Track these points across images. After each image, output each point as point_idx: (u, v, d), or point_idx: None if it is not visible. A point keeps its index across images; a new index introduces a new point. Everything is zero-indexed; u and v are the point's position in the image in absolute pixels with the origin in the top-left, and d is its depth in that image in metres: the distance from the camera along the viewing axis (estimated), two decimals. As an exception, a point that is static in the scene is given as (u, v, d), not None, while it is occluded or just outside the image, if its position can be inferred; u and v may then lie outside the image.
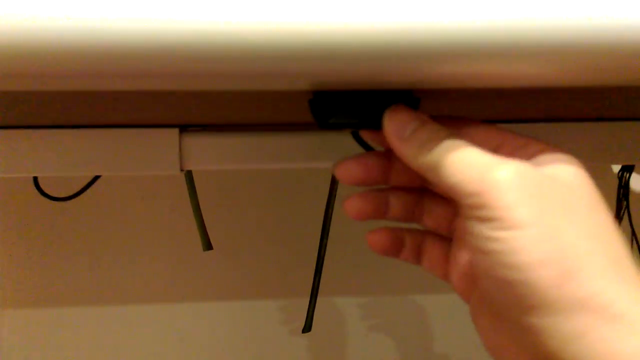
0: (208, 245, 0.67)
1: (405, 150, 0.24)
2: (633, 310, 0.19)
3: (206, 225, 0.67)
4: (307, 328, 0.70)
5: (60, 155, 0.44)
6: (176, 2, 0.19)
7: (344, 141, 0.40)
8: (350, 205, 0.27)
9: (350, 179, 0.26)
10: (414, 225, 0.28)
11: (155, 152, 0.43)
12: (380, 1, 0.20)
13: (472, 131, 0.24)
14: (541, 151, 0.23)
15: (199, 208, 0.64)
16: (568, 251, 0.20)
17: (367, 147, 0.28)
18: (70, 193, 0.56)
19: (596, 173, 0.76)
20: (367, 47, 0.20)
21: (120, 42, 0.19)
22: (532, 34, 0.20)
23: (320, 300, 0.82)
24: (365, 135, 0.27)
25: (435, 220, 0.28)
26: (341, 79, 0.22)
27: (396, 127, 0.24)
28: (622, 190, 0.83)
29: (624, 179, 0.83)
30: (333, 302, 0.86)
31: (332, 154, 0.41)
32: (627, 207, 0.83)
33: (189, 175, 0.66)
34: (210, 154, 0.44)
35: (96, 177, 0.55)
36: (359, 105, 0.24)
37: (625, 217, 0.84)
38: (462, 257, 0.26)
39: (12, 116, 0.42)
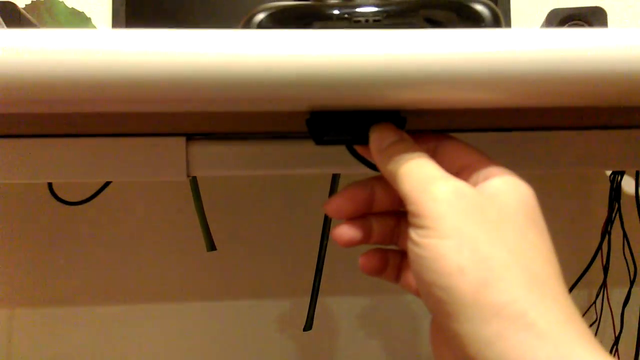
0: (212, 247, 0.70)
1: (379, 159, 0.26)
2: (544, 320, 0.21)
3: (210, 228, 0.69)
4: (308, 327, 0.72)
5: (74, 163, 0.46)
6: (198, 39, 0.21)
7: (340, 149, 0.43)
8: (338, 235, 0.29)
9: (340, 213, 0.29)
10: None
11: (163, 159, 0.46)
12: (367, 38, 0.22)
13: (448, 149, 0.27)
14: (496, 174, 0.25)
15: (203, 211, 0.66)
16: (487, 262, 0.22)
17: (360, 159, 0.30)
18: (82, 198, 0.58)
19: (589, 177, 0.79)
20: (358, 77, 0.22)
21: (153, 75, 0.22)
22: (492, 68, 0.22)
23: (320, 299, 0.84)
24: (359, 149, 0.30)
25: None
26: (335, 103, 0.24)
27: (377, 140, 0.27)
28: (613, 194, 0.85)
29: (615, 182, 0.85)
30: (333, 302, 0.88)
31: (329, 161, 0.43)
32: (619, 209, 0.86)
33: (193, 181, 0.69)
34: (215, 161, 0.46)
35: (107, 183, 0.58)
36: (351, 123, 0.27)
37: (618, 219, 0.86)
38: None
39: (29, 126, 0.44)
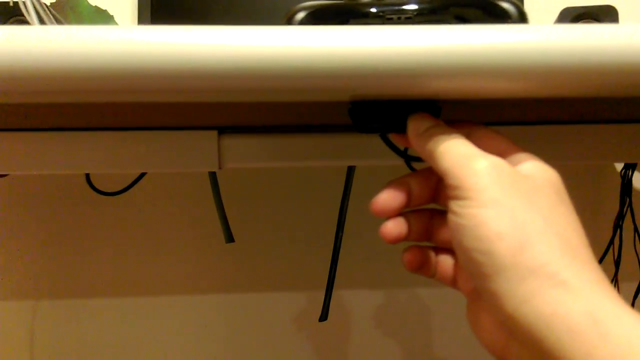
0: (230, 238, 0.72)
1: (418, 142, 0.29)
2: (576, 279, 0.23)
3: (229, 221, 0.71)
4: (323, 317, 0.74)
5: (110, 154, 0.48)
6: (254, 35, 0.24)
7: (366, 141, 0.45)
8: (387, 232, 0.31)
9: (385, 212, 0.31)
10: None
11: (196, 152, 0.48)
12: (404, 34, 0.24)
13: (481, 135, 0.29)
14: (527, 160, 0.28)
15: (222, 204, 0.68)
16: (523, 228, 0.24)
17: (393, 147, 0.32)
18: (116, 189, 0.60)
19: (601, 172, 0.81)
20: (396, 68, 0.25)
21: (204, 65, 0.24)
22: (526, 59, 0.24)
23: (335, 292, 0.86)
24: (393, 137, 0.32)
25: (445, 234, 0.31)
26: (376, 93, 0.27)
27: (415, 126, 0.29)
28: (624, 188, 0.87)
29: (626, 177, 0.87)
30: (348, 295, 0.89)
31: (358, 153, 0.45)
32: (630, 204, 0.87)
33: (212, 175, 0.71)
34: (245, 153, 0.48)
35: (142, 175, 0.60)
36: (390, 112, 0.29)
37: (629, 212, 0.87)
38: None
39: (68, 119, 0.47)
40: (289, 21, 0.33)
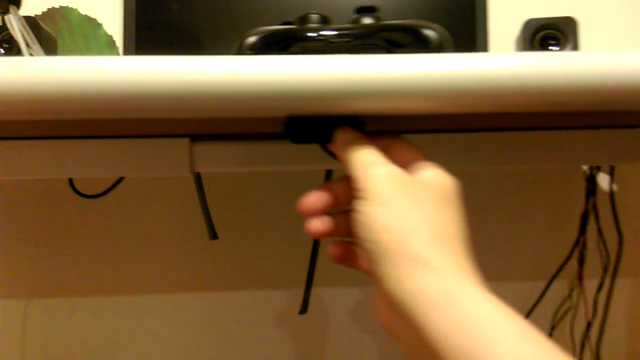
0: (214, 236, 0.75)
1: (340, 152, 0.34)
2: (440, 265, 0.28)
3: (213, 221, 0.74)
4: (303, 310, 0.78)
5: (91, 161, 0.53)
6: (202, 64, 0.28)
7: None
8: (311, 227, 0.36)
9: (311, 211, 0.36)
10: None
11: (170, 158, 0.52)
12: (331, 62, 0.29)
13: (398, 147, 0.34)
14: (428, 168, 0.33)
15: (206, 202, 0.72)
16: (405, 224, 0.29)
17: (330, 154, 0.37)
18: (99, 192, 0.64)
19: (569, 175, 0.85)
20: (325, 91, 0.29)
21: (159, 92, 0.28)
22: (434, 83, 0.29)
23: (315, 290, 0.90)
24: (330, 147, 0.36)
25: None
26: (307, 110, 0.31)
27: (339, 138, 0.34)
28: (589, 189, 0.91)
29: (590, 178, 0.91)
30: (327, 292, 0.93)
31: (313, 159, 0.49)
32: (594, 204, 0.92)
33: (197, 177, 0.75)
34: (216, 159, 0.53)
35: (121, 179, 0.64)
36: (321, 126, 0.34)
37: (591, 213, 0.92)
38: None
39: (53, 129, 0.51)
40: (241, 45, 0.37)
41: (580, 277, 0.92)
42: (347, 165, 0.33)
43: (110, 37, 0.71)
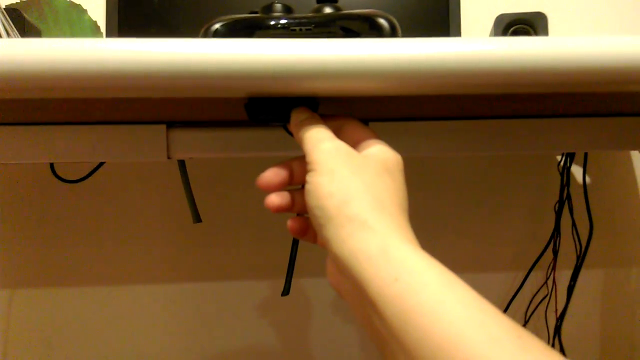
0: (197, 219, 0.77)
1: (295, 130, 0.36)
2: (378, 225, 0.30)
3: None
4: (285, 291, 0.79)
5: (72, 146, 0.55)
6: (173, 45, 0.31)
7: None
8: (270, 202, 0.38)
9: (269, 187, 0.38)
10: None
11: (147, 143, 0.55)
12: (287, 45, 0.31)
13: (350, 127, 0.37)
14: (375, 145, 0.35)
15: (190, 187, 0.74)
16: (347, 190, 0.32)
17: (290, 134, 0.39)
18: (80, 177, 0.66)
19: (543, 165, 0.87)
20: (281, 72, 0.32)
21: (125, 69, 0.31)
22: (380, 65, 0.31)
23: (297, 280, 0.92)
24: (290, 127, 0.39)
25: None
26: (265, 91, 0.34)
27: (295, 118, 0.37)
28: (564, 180, 0.94)
29: (565, 169, 0.94)
30: (309, 282, 0.95)
31: (285, 145, 0.52)
32: (569, 194, 0.94)
33: (182, 162, 0.77)
34: (191, 145, 0.55)
35: (101, 164, 0.66)
36: (278, 106, 0.36)
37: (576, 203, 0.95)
38: None
39: (35, 115, 0.53)
40: (206, 31, 0.39)
41: (554, 267, 0.95)
42: (300, 142, 0.36)
43: (95, 22, 0.73)
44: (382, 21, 0.38)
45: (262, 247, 0.94)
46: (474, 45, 0.30)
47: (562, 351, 0.97)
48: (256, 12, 0.43)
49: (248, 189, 0.93)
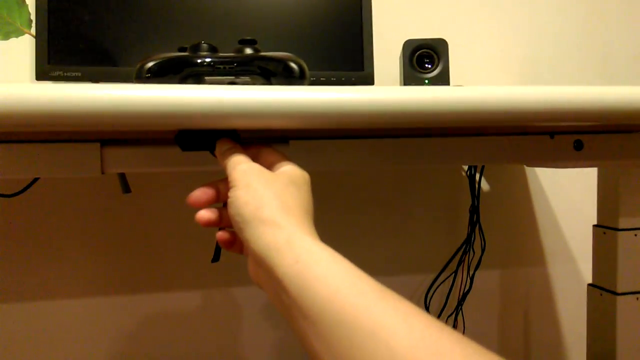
0: (127, 189, 0.80)
1: (220, 158, 0.43)
2: (285, 224, 0.37)
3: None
4: (215, 258, 0.83)
5: (8, 162, 0.58)
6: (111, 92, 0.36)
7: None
8: (199, 217, 0.44)
9: (198, 204, 0.45)
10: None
11: (82, 160, 0.59)
12: (208, 91, 0.38)
13: (264, 153, 0.44)
14: (286, 165, 0.43)
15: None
16: (260, 199, 0.39)
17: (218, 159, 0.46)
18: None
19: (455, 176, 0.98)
20: (205, 111, 0.38)
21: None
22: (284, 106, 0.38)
23: (227, 289, 0.97)
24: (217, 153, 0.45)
25: None
26: (193, 126, 0.40)
27: (219, 148, 0.44)
28: (472, 188, 1.06)
29: (471, 179, 1.06)
30: (239, 291, 1.00)
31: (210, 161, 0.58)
32: (477, 199, 1.06)
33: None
34: (123, 161, 0.60)
35: (36, 179, 0.69)
36: (205, 138, 0.43)
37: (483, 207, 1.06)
38: None
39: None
40: (140, 68, 0.45)
41: (462, 259, 1.07)
42: (223, 167, 0.43)
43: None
44: (293, 65, 0.46)
45: (190, 258, 0.98)
46: (361, 94, 0.38)
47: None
48: (185, 49, 0.49)
49: (177, 203, 0.97)
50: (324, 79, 0.88)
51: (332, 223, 1.03)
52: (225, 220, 0.44)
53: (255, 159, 0.43)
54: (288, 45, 0.87)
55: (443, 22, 1.08)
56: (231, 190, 0.40)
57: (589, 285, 0.83)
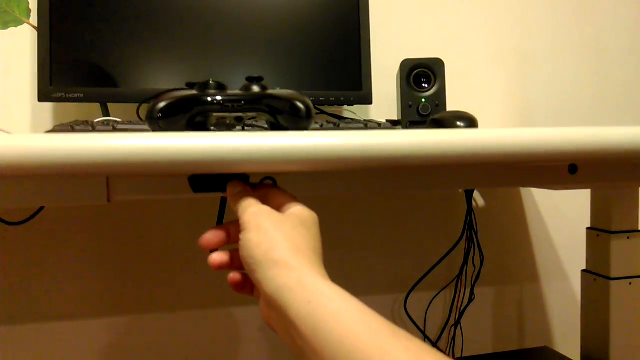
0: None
1: (230, 200, 0.45)
2: (297, 265, 0.39)
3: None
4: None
5: (14, 191, 0.59)
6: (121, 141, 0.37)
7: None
8: (212, 260, 0.46)
9: (210, 246, 0.46)
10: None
11: (88, 188, 0.60)
12: (220, 139, 0.39)
13: (273, 194, 0.46)
14: (294, 207, 0.44)
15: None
16: (271, 240, 0.40)
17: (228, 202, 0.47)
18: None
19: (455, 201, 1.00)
20: (216, 159, 0.39)
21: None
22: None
23: (225, 309, 0.98)
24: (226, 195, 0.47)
25: None
26: (205, 171, 0.41)
27: (230, 190, 0.45)
28: (468, 211, 1.07)
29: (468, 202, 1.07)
30: (238, 311, 1.00)
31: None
32: (472, 219, 1.08)
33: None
34: (129, 189, 0.60)
35: (41, 208, 0.70)
36: (217, 181, 0.44)
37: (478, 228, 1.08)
38: None
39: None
40: (152, 110, 0.46)
41: (460, 276, 1.09)
42: (234, 210, 0.44)
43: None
44: (299, 105, 0.47)
45: (191, 280, 1.00)
46: (371, 139, 0.40)
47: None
48: (193, 84, 0.50)
49: (177, 227, 0.98)
50: (323, 98, 0.89)
51: (328, 241, 1.04)
52: (236, 262, 0.46)
53: (264, 200, 0.44)
54: (287, 67, 0.88)
55: (440, 42, 1.10)
56: (243, 232, 0.42)
57: (583, 271, 0.88)
